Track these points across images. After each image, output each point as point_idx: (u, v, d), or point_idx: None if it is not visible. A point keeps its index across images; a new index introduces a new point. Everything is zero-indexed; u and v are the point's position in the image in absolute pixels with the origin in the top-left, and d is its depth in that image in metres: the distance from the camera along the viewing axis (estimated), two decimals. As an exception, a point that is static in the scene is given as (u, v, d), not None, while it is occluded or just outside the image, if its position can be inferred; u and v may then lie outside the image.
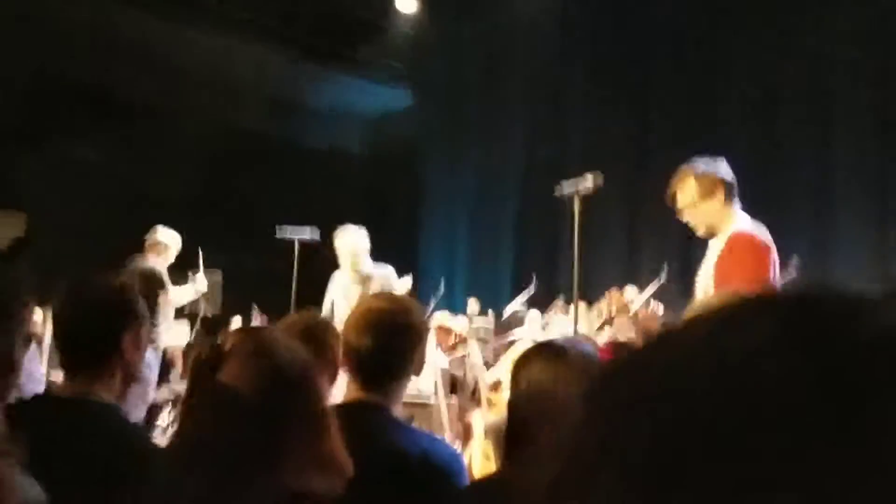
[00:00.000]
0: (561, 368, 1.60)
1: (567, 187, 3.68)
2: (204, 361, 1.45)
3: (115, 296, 1.75)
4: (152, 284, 5.65)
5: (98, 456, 1.44)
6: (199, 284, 6.16)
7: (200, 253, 6.17)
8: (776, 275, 3.30)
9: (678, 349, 0.34)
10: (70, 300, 1.78)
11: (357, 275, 5.24)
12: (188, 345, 6.98)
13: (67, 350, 1.74)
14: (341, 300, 5.09)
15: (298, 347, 1.47)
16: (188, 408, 1.39)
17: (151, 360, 2.30)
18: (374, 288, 5.05)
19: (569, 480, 0.33)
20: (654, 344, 0.36)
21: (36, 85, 9.75)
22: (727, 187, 3.40)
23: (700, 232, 3.49)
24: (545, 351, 1.71)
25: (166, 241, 5.85)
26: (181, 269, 6.34)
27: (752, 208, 3.53)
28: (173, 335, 6.49)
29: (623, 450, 0.31)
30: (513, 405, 1.68)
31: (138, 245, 6.00)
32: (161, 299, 5.74)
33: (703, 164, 3.44)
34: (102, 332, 1.58)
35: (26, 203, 9.33)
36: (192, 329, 7.83)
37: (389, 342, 1.98)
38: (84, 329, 1.69)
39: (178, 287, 6.01)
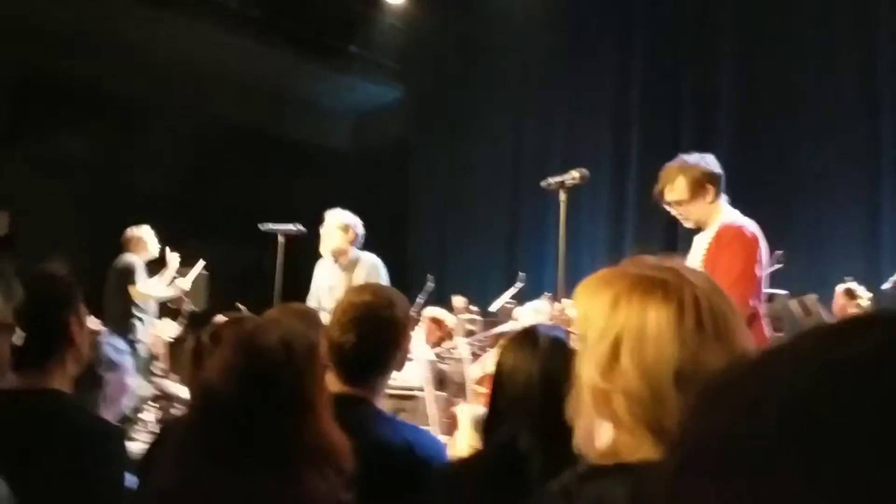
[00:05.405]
0: (533, 353, 1.65)
1: (553, 179, 3.70)
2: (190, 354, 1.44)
3: (53, 285, 1.72)
4: (123, 278, 6.12)
5: (59, 446, 1.40)
6: (182, 284, 6.50)
7: (177, 256, 6.53)
8: (764, 267, 3.30)
9: (795, 356, 0.39)
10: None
11: (342, 261, 5.10)
12: (175, 339, 6.98)
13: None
14: (326, 292, 4.97)
15: (294, 332, 1.43)
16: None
17: (120, 344, 2.25)
18: (360, 276, 4.93)
19: (696, 469, 0.37)
20: (772, 353, 0.41)
21: (17, 82, 9.65)
22: (716, 182, 3.40)
23: (689, 225, 3.49)
24: (520, 337, 1.77)
25: (143, 238, 6.23)
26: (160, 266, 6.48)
27: (739, 203, 3.53)
28: (160, 328, 6.66)
29: (754, 444, 0.35)
30: (492, 388, 1.75)
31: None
32: (130, 290, 6.13)
33: (691, 160, 3.43)
34: (51, 323, 1.53)
35: (9, 200, 9.23)
36: (178, 323, 7.81)
37: (371, 337, 1.97)
38: (34, 322, 1.59)
39: (156, 281, 6.36)
